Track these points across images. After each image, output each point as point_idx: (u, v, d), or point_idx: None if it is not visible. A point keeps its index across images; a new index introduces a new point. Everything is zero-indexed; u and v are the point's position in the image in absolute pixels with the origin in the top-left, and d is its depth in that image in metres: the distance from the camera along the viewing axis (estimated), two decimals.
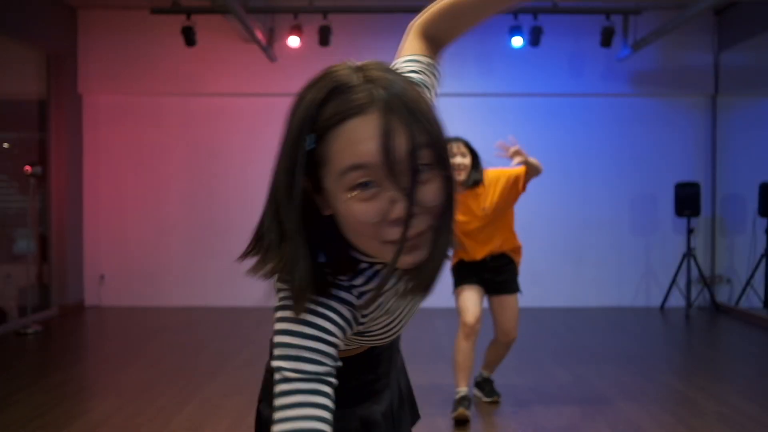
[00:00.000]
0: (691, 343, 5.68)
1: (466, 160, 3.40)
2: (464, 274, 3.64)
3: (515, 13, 6.54)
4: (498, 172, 3.51)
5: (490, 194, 3.47)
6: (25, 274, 6.27)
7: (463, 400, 3.53)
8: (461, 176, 3.38)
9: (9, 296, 6.39)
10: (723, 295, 7.20)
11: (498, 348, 3.76)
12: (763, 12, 6.43)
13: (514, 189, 3.49)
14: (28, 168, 5.92)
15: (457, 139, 3.45)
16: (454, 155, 3.38)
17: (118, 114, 7.33)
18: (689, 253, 6.83)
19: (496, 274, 3.63)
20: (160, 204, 7.32)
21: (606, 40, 6.54)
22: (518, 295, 3.68)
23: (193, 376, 4.42)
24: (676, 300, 7.21)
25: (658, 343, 5.65)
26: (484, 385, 3.88)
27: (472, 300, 3.55)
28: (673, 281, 7.07)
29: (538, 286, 7.15)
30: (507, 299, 3.64)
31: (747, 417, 3.60)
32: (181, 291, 7.30)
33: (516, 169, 3.47)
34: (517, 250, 3.70)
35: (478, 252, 3.59)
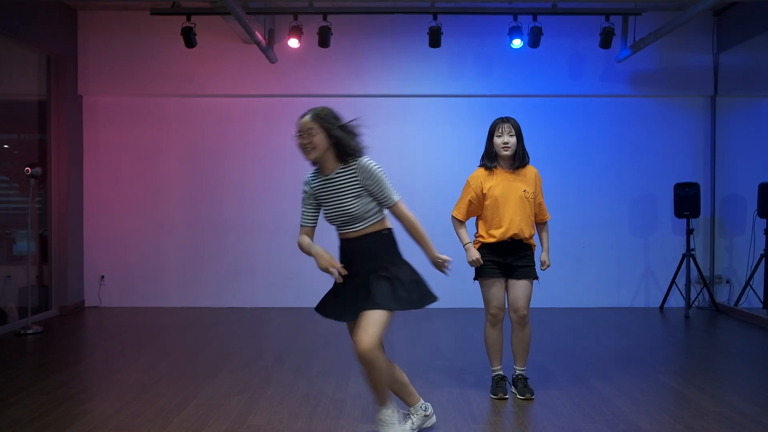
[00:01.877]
0: (691, 344, 5.68)
1: (513, 139, 3.87)
2: (487, 263, 3.90)
3: (515, 15, 6.54)
4: (539, 177, 4.01)
5: (532, 185, 3.93)
6: (25, 274, 6.28)
7: (501, 381, 3.99)
8: (508, 152, 3.86)
9: (9, 297, 6.40)
10: (722, 296, 7.20)
11: (516, 333, 3.97)
12: (762, 13, 6.44)
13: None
14: (28, 169, 5.92)
15: (508, 120, 3.93)
16: (502, 134, 3.86)
17: (117, 115, 7.33)
18: (689, 254, 6.83)
19: (516, 259, 3.90)
20: (160, 204, 7.33)
21: (605, 41, 6.54)
22: (534, 282, 3.99)
23: (193, 376, 4.43)
24: (676, 300, 7.22)
25: (657, 343, 5.65)
26: (517, 382, 4.00)
27: (495, 292, 3.92)
28: (673, 282, 7.07)
29: (538, 286, 7.15)
30: (523, 282, 3.93)
31: (747, 417, 3.60)
32: (180, 291, 7.30)
33: (540, 193, 4.03)
34: (534, 242, 4.01)
35: (508, 229, 3.85)
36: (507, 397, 3.95)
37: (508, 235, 3.85)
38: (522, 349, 3.99)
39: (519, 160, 3.89)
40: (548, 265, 4.09)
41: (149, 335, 5.86)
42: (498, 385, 3.99)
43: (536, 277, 3.96)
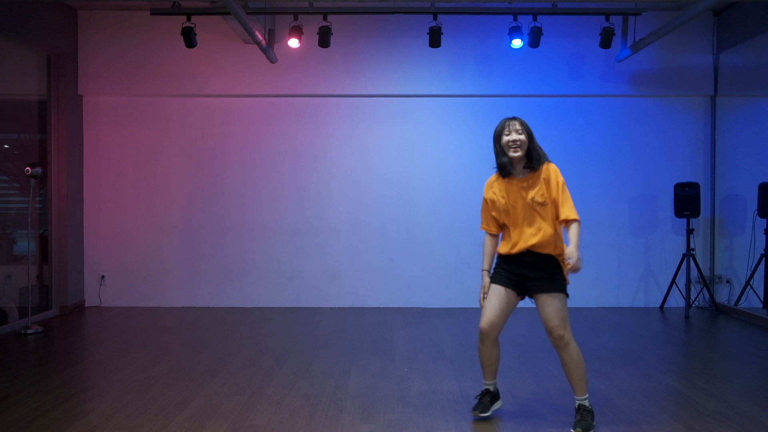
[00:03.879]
0: (691, 343, 5.68)
1: (523, 137, 3.38)
2: (499, 270, 3.50)
3: (515, 15, 6.54)
4: (554, 172, 3.39)
5: (539, 188, 3.37)
6: (25, 274, 6.28)
7: (484, 396, 3.62)
8: (518, 152, 3.37)
9: (9, 297, 6.40)
10: (722, 296, 7.20)
11: (561, 358, 3.42)
12: (762, 13, 6.44)
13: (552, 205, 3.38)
14: (28, 169, 5.92)
15: (515, 118, 3.45)
16: (510, 132, 3.39)
17: (118, 114, 7.34)
18: (689, 254, 6.83)
19: (531, 270, 3.40)
20: (160, 204, 7.33)
21: (605, 41, 6.54)
22: (562, 295, 3.36)
23: (193, 376, 4.43)
24: (676, 300, 7.22)
25: (657, 343, 5.65)
26: (576, 413, 3.46)
27: (492, 305, 3.44)
28: (673, 281, 7.07)
29: None
30: (544, 298, 3.36)
31: (747, 417, 3.60)
32: (180, 291, 7.31)
33: (562, 193, 3.37)
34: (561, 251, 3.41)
35: (518, 241, 3.40)
36: (484, 415, 3.56)
37: (521, 248, 3.39)
38: (571, 375, 3.39)
39: (526, 162, 3.41)
40: (572, 264, 3.19)
41: (149, 335, 5.86)
42: (480, 400, 3.62)
43: (560, 291, 3.36)
